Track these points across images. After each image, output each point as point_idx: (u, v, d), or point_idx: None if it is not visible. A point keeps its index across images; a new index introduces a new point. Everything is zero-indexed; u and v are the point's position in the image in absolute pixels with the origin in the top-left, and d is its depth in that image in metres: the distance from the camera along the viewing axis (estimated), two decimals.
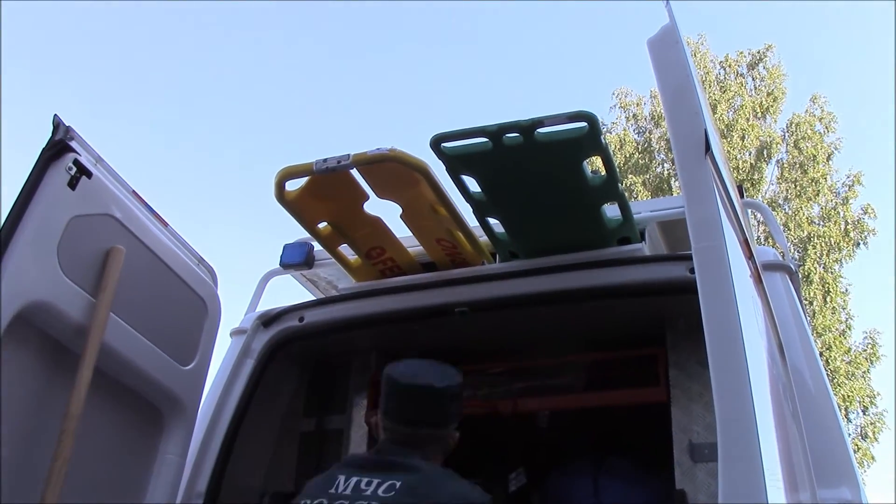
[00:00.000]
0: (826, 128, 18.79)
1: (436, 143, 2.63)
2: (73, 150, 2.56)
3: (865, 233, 18.00)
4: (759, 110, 19.08)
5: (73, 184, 2.55)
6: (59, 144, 2.54)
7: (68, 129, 2.56)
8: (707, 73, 19.33)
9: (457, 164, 2.72)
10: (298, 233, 3.52)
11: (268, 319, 3.37)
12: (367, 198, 2.97)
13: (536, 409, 3.44)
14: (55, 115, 2.55)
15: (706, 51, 19.84)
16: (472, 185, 2.84)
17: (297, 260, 3.56)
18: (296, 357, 3.58)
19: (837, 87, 29.11)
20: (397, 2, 31.35)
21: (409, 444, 2.35)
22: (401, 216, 3.03)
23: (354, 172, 2.83)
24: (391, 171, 2.75)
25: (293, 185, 2.90)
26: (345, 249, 3.24)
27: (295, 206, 2.93)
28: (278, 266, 3.64)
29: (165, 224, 2.98)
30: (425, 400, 2.36)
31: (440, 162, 2.72)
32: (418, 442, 2.35)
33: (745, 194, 4.27)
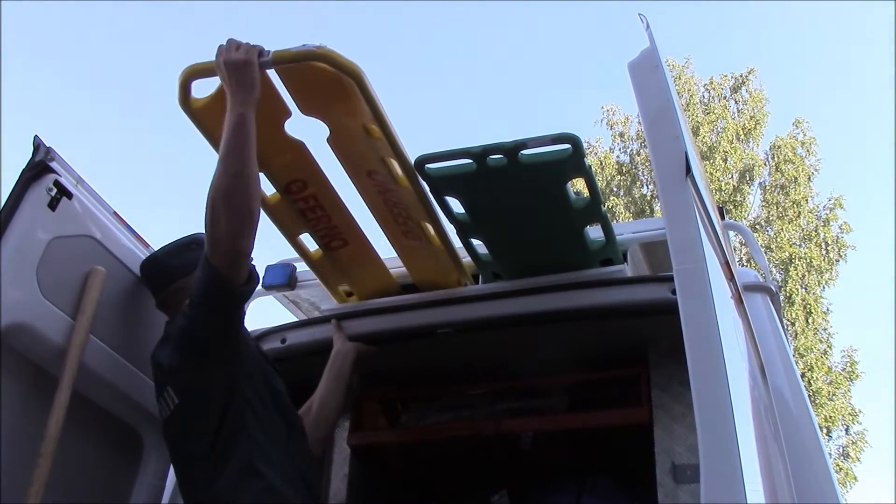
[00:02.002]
0: (807, 151, 19.00)
1: (420, 165, 2.64)
2: (54, 171, 2.56)
3: (844, 249, 18.20)
4: (741, 133, 19.24)
5: (53, 205, 2.54)
6: (40, 165, 2.53)
7: (49, 149, 2.56)
8: (691, 95, 19.47)
9: (441, 185, 2.73)
10: (281, 254, 3.50)
11: None
12: (289, 114, 2.58)
13: (519, 430, 3.43)
14: (35, 136, 2.55)
15: (692, 74, 19.98)
16: (457, 206, 2.85)
17: (279, 281, 3.53)
18: None
19: (817, 109, 29.48)
20: (381, 16, 31.52)
21: (170, 317, 2.69)
22: (327, 140, 2.63)
23: (277, 81, 2.47)
24: (319, 79, 2.37)
25: (204, 92, 2.50)
26: (306, 239, 3.02)
27: (201, 115, 2.51)
28: (260, 287, 3.61)
29: (146, 245, 2.97)
30: (146, 280, 2.83)
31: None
32: (169, 305, 2.71)
33: (726, 216, 4.29)
